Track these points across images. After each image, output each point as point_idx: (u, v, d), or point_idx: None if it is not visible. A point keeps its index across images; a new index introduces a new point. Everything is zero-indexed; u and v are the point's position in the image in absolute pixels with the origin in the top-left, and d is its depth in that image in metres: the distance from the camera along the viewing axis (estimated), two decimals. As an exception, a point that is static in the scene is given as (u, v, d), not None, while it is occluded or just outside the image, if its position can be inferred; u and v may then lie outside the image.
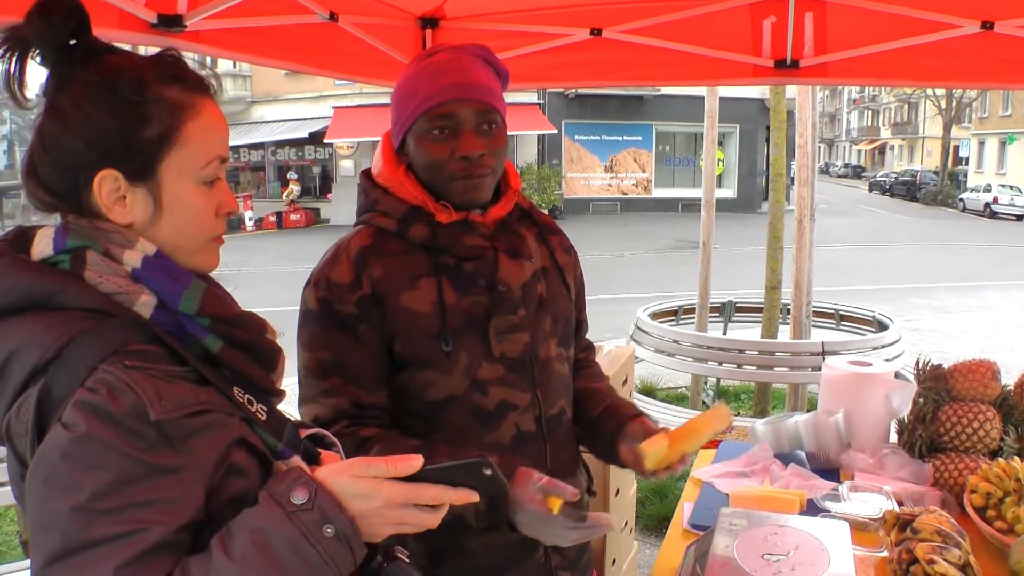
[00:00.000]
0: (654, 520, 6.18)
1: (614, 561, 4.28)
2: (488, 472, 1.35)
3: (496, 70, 2.09)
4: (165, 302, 1.37)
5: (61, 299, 1.31)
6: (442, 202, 2.06)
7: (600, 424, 2.24)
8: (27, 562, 3.76)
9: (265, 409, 1.46)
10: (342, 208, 34.39)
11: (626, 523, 4.55)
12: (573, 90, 34.76)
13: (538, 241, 2.24)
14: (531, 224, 2.26)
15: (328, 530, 1.25)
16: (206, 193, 1.45)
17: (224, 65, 34.39)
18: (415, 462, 1.31)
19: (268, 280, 19.10)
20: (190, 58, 1.49)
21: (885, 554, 2.44)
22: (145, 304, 1.36)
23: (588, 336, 2.53)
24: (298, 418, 1.94)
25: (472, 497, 1.36)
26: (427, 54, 2.07)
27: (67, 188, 1.37)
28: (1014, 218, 39.51)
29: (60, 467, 1.20)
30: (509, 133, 2.14)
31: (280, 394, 1.54)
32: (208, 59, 3.15)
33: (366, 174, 2.18)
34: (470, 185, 2.03)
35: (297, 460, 1.47)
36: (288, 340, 1.99)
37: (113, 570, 1.17)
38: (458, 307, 2.03)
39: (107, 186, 1.35)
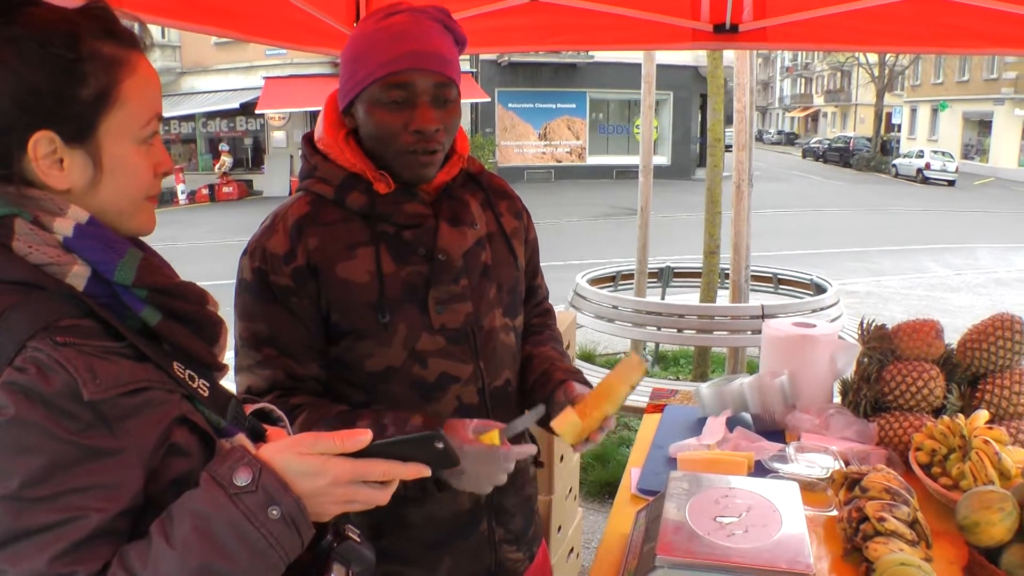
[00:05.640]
0: (596, 486, 6.21)
1: (559, 528, 4.29)
2: (440, 445, 1.32)
3: (455, 37, 2.01)
4: (99, 272, 1.29)
5: None
6: (381, 171, 1.99)
7: (532, 396, 2.21)
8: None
9: (207, 385, 1.40)
10: (275, 180, 34.11)
11: (570, 490, 4.55)
12: (506, 58, 34.74)
13: (483, 207, 2.18)
14: (477, 189, 2.20)
15: (273, 512, 1.20)
16: (145, 152, 1.37)
17: (152, 34, 33.83)
18: (364, 437, 1.27)
19: (203, 254, 18.82)
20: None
21: (834, 513, 2.46)
22: (78, 275, 1.28)
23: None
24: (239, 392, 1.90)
25: (423, 471, 1.32)
26: (386, 13, 1.95)
27: None
28: (946, 183, 40.29)
29: None
30: None
31: (222, 368, 1.48)
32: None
33: (307, 139, 2.10)
34: (421, 161, 1.97)
35: (242, 438, 1.42)
36: (226, 314, 1.94)
37: (48, 561, 1.12)
38: (396, 277, 1.98)
39: (43, 148, 1.26)
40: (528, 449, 1.88)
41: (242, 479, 1.21)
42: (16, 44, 1.23)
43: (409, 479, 1.32)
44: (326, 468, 1.25)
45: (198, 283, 1.47)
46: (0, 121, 1.24)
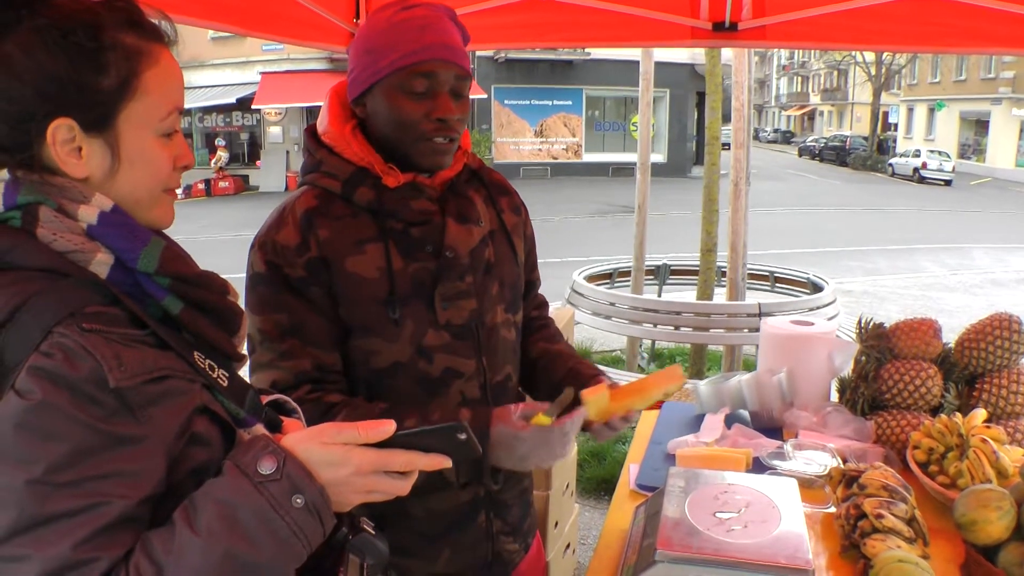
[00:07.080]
0: (593, 483, 6.21)
1: (556, 524, 4.30)
2: (463, 436, 1.32)
3: (462, 35, 2.03)
4: (123, 260, 1.30)
5: (12, 258, 1.23)
6: (390, 164, 1.99)
7: (562, 390, 2.22)
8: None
9: (227, 375, 1.41)
10: (271, 175, 34.04)
11: (567, 486, 4.56)
12: (502, 54, 34.70)
13: (486, 203, 2.19)
14: (480, 185, 2.20)
15: (297, 500, 1.21)
16: (165, 145, 1.37)
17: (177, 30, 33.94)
18: (387, 428, 1.28)
19: (201, 248, 18.71)
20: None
21: (832, 510, 2.47)
22: (101, 263, 1.28)
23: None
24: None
25: (445, 462, 1.33)
26: (404, 6, 1.97)
27: (17, 142, 1.27)
28: (942, 183, 40.18)
29: (13, 438, 1.13)
30: None
31: (242, 359, 1.49)
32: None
33: (310, 132, 2.10)
34: (440, 148, 1.98)
35: (260, 428, 1.43)
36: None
37: (72, 547, 1.12)
38: (405, 273, 1.98)
39: (61, 136, 1.26)
40: (579, 414, 1.91)
41: (267, 467, 1.22)
42: (39, 33, 1.23)
43: (430, 469, 1.33)
44: (349, 458, 1.26)
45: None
46: (21, 108, 1.25)
